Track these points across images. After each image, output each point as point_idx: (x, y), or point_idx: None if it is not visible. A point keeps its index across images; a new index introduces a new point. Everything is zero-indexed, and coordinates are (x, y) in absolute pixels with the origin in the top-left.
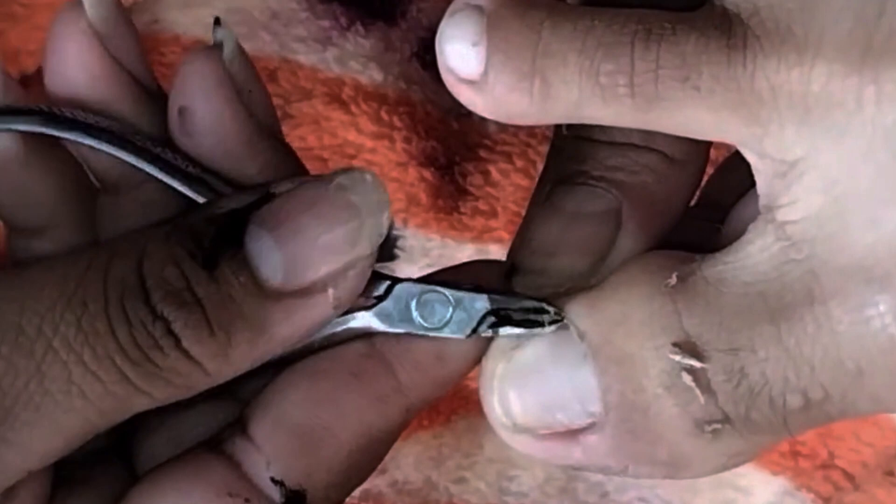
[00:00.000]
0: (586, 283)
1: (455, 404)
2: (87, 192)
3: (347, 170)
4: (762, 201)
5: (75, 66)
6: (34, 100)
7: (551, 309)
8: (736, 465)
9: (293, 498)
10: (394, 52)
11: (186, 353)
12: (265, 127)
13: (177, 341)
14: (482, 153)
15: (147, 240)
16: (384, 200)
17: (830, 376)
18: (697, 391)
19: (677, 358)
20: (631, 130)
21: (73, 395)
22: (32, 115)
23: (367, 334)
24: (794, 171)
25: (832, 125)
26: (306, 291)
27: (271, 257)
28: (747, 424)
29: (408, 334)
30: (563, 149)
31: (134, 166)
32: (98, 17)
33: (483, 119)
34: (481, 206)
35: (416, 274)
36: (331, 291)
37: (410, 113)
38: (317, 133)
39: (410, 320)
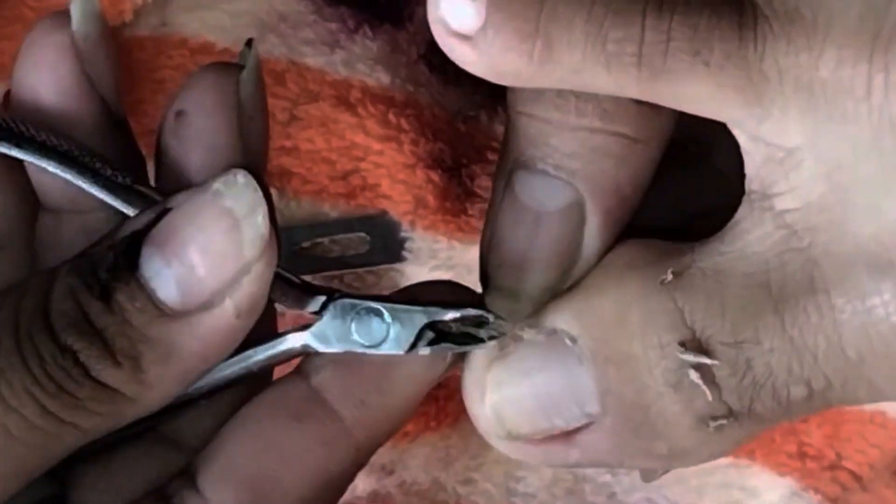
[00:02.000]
0: (557, 291)
1: (463, 406)
2: (33, 212)
3: (224, 173)
4: (752, 185)
5: (47, 76)
6: None
7: (490, 317)
8: (732, 450)
9: None
10: (401, 54)
11: (99, 382)
12: (251, 158)
13: (86, 371)
14: (489, 155)
15: (55, 273)
16: (257, 201)
17: (833, 366)
18: (704, 388)
19: (687, 357)
20: (588, 111)
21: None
22: None
23: (305, 354)
24: (793, 157)
25: (837, 111)
26: (205, 305)
27: (165, 278)
28: (751, 416)
29: (346, 354)
30: (518, 127)
31: (84, 189)
32: (82, 33)
33: (491, 121)
34: None
35: (425, 276)
36: (229, 301)
37: (418, 115)
38: (324, 135)
39: (348, 339)
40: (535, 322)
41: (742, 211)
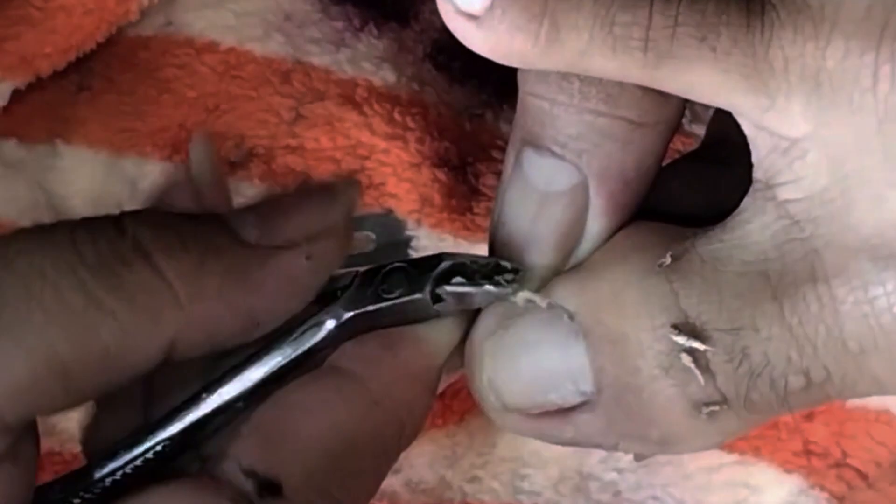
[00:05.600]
0: (560, 271)
1: (469, 403)
2: None
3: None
4: (757, 174)
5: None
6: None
7: (507, 264)
8: (727, 441)
9: (267, 486)
10: (407, 53)
11: (155, 267)
12: None
13: (146, 255)
14: (495, 154)
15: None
16: (354, 179)
17: (833, 356)
18: (697, 372)
19: (679, 339)
20: (592, 94)
21: (33, 308)
22: None
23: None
24: (797, 147)
25: (843, 102)
26: (281, 246)
27: (247, 220)
28: (746, 405)
29: (368, 312)
30: (527, 106)
31: None
32: (199, 177)
33: (496, 119)
34: None
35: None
36: (305, 248)
37: (423, 114)
38: (330, 134)
39: (375, 297)
40: (538, 297)
41: (746, 200)
